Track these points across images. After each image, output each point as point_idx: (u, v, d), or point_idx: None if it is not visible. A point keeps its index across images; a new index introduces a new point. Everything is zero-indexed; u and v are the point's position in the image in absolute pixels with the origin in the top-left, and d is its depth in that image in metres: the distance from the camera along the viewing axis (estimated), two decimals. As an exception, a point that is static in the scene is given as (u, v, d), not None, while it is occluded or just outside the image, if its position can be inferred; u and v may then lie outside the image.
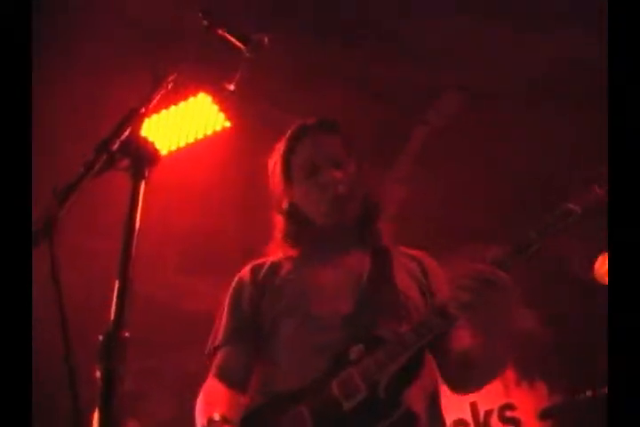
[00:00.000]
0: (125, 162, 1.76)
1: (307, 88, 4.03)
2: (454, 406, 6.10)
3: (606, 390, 3.48)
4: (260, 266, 2.49)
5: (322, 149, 2.47)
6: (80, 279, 3.95)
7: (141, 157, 1.76)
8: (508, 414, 5.94)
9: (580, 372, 5.09)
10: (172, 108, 4.12)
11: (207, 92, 4.07)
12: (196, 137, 4.28)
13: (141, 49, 3.96)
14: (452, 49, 4.32)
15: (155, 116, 4.12)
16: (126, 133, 1.75)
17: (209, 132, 4.30)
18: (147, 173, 1.74)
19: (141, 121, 1.83)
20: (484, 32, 4.22)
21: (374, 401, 2.08)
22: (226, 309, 2.46)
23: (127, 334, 1.57)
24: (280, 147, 2.55)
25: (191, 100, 4.12)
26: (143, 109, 1.82)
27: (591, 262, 5.31)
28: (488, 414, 6.03)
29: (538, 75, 4.45)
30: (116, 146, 1.72)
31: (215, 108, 4.21)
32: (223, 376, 2.38)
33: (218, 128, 4.30)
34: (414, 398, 2.17)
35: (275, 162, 2.55)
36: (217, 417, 2.14)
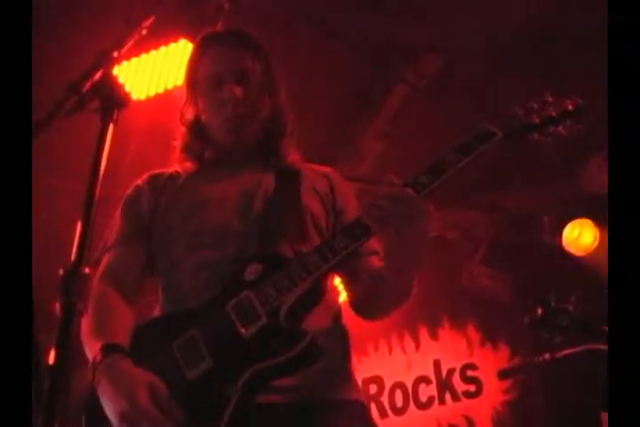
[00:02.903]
0: (95, 103, 1.78)
1: (285, 36, 4.01)
2: (418, 363, 6.22)
3: (563, 353, 3.59)
4: (159, 175, 2.37)
5: (227, 62, 2.30)
6: (49, 218, 3.97)
7: (111, 99, 1.78)
8: (470, 373, 6.05)
9: (542, 336, 5.16)
10: (152, 52, 4.07)
11: (188, 38, 4.03)
12: (175, 83, 4.23)
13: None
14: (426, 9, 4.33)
15: (134, 60, 4.08)
16: (98, 76, 1.76)
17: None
18: (115, 116, 1.77)
19: (114, 64, 1.84)
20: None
21: (276, 331, 1.90)
22: (120, 214, 2.32)
23: (87, 271, 1.58)
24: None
25: (172, 45, 4.07)
26: (116, 53, 1.83)
27: (560, 228, 5.37)
28: (450, 372, 6.14)
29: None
30: (86, 87, 1.74)
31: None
32: (110, 278, 2.18)
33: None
34: (318, 328, 1.98)
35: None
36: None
